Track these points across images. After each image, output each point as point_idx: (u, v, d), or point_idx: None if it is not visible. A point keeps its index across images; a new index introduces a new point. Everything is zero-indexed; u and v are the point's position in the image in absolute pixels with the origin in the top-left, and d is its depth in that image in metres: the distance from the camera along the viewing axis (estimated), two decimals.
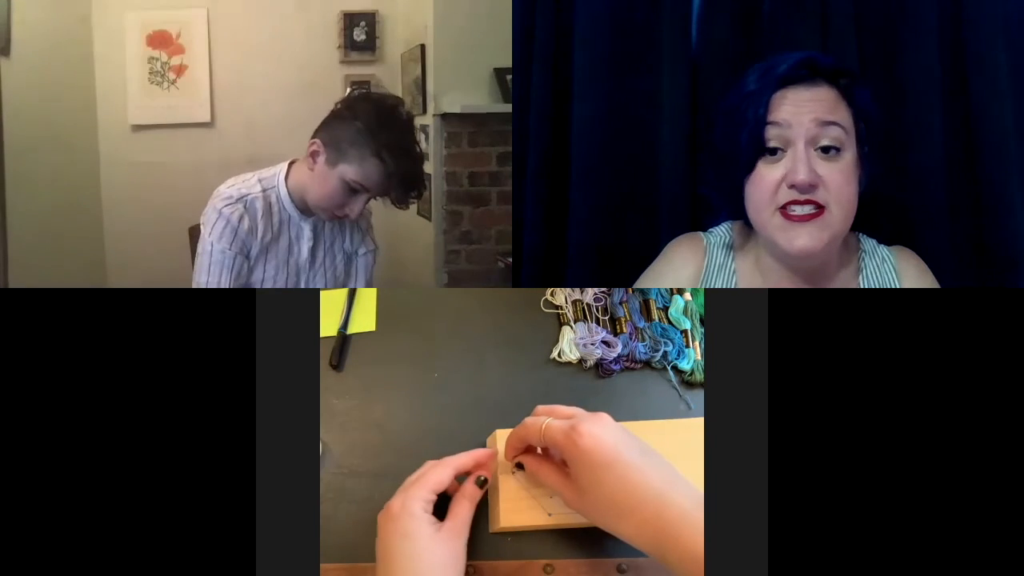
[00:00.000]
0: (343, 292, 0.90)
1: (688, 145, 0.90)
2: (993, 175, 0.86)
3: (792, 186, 0.69)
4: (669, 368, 0.80)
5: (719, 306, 0.68)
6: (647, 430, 0.60)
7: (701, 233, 0.80)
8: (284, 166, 1.07)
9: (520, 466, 0.63)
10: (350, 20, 2.31)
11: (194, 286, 1.04)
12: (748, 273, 0.76)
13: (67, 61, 2.19)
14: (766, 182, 0.70)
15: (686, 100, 0.90)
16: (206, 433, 0.61)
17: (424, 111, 2.03)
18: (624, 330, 0.83)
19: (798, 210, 0.69)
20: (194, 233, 1.07)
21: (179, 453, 0.60)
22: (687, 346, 0.82)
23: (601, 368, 0.80)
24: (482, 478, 0.62)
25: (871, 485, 0.60)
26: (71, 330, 0.62)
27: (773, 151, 0.70)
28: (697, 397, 0.78)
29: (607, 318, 0.86)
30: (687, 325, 0.84)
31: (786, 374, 0.62)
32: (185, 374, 0.61)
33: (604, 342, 0.81)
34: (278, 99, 2.30)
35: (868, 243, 0.77)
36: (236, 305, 0.64)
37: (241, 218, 1.02)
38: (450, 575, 0.57)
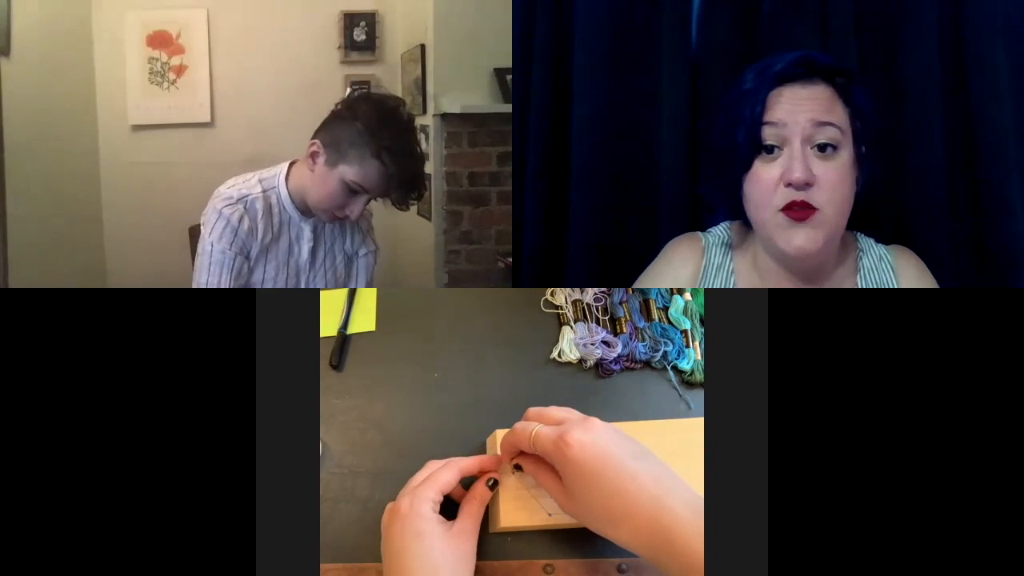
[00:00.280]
0: (343, 292, 0.90)
1: (688, 145, 0.90)
2: (993, 175, 0.86)
3: (788, 184, 0.69)
4: (669, 368, 0.80)
5: (719, 306, 0.68)
6: (647, 430, 0.60)
7: (700, 233, 0.80)
8: (284, 166, 1.07)
9: (519, 467, 0.63)
10: (350, 20, 2.31)
11: (194, 286, 1.04)
12: (746, 272, 0.76)
13: (67, 61, 2.19)
14: (763, 180, 0.70)
15: (686, 100, 0.90)
16: (206, 433, 0.60)
17: (424, 111, 2.03)
18: (624, 330, 0.83)
19: (796, 211, 0.69)
20: (194, 233, 1.07)
21: (179, 453, 0.60)
22: (687, 346, 0.82)
23: (601, 368, 0.80)
24: (492, 480, 0.62)
25: (871, 485, 0.60)
26: (71, 330, 0.62)
27: (770, 149, 0.70)
28: (697, 397, 0.78)
29: (607, 318, 0.86)
30: (687, 325, 0.84)
31: (786, 374, 0.62)
32: (185, 374, 0.61)
33: (604, 342, 0.81)
34: (278, 99, 2.31)
35: (866, 242, 0.77)
36: (236, 305, 0.64)
37: (241, 218, 1.02)
38: (463, 572, 0.56)
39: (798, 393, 0.62)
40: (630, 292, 0.87)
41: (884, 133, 0.81)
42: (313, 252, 1.10)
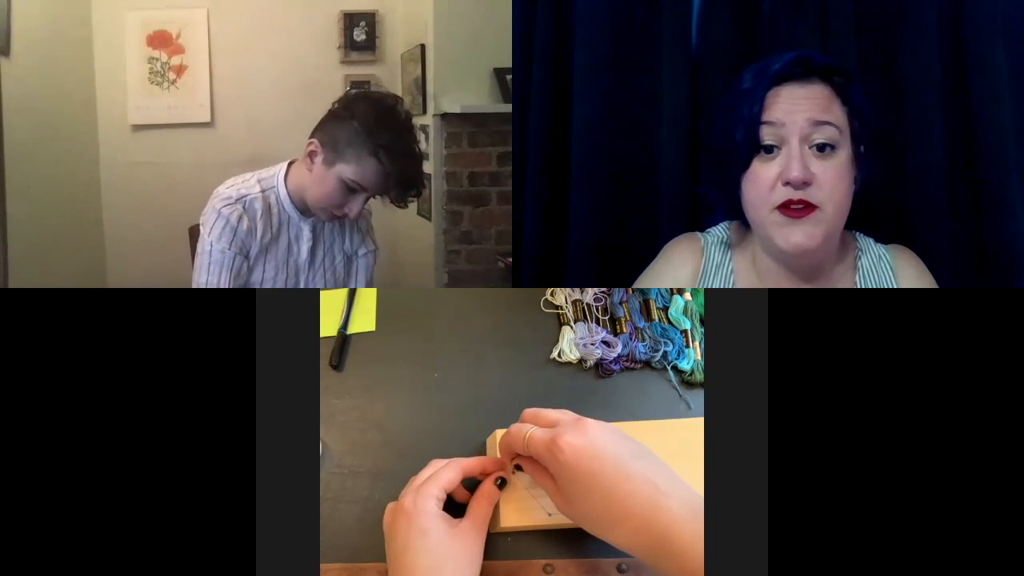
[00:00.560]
0: (343, 292, 0.90)
1: (688, 145, 0.90)
2: (993, 175, 0.86)
3: (787, 183, 0.69)
4: (669, 368, 0.80)
5: (719, 306, 0.68)
6: (647, 430, 0.60)
7: (699, 233, 0.80)
8: (283, 166, 1.07)
9: (519, 467, 0.62)
10: (350, 20, 2.31)
11: (193, 286, 1.04)
12: (745, 271, 0.77)
13: (67, 61, 2.19)
14: (762, 179, 0.70)
15: (686, 100, 0.90)
16: (206, 433, 0.60)
17: (424, 111, 2.03)
18: (624, 330, 0.83)
19: (793, 209, 0.69)
20: (194, 233, 1.07)
21: (179, 453, 0.60)
22: (687, 346, 0.82)
23: (601, 368, 0.80)
24: (500, 479, 0.62)
25: (871, 485, 0.60)
26: (71, 330, 0.62)
27: (769, 148, 0.70)
28: (697, 397, 0.78)
29: (607, 318, 0.86)
30: (687, 325, 0.84)
31: (786, 374, 0.62)
32: (185, 374, 0.61)
33: (604, 342, 0.81)
34: (278, 99, 2.30)
35: (865, 242, 0.77)
36: (236, 305, 0.64)
37: (240, 218, 1.02)
38: (470, 570, 0.56)
39: (798, 393, 0.62)
40: (630, 292, 0.87)
41: (884, 133, 0.81)
42: (312, 252, 1.10)
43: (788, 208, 0.70)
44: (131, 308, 0.63)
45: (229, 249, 1.02)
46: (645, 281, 0.81)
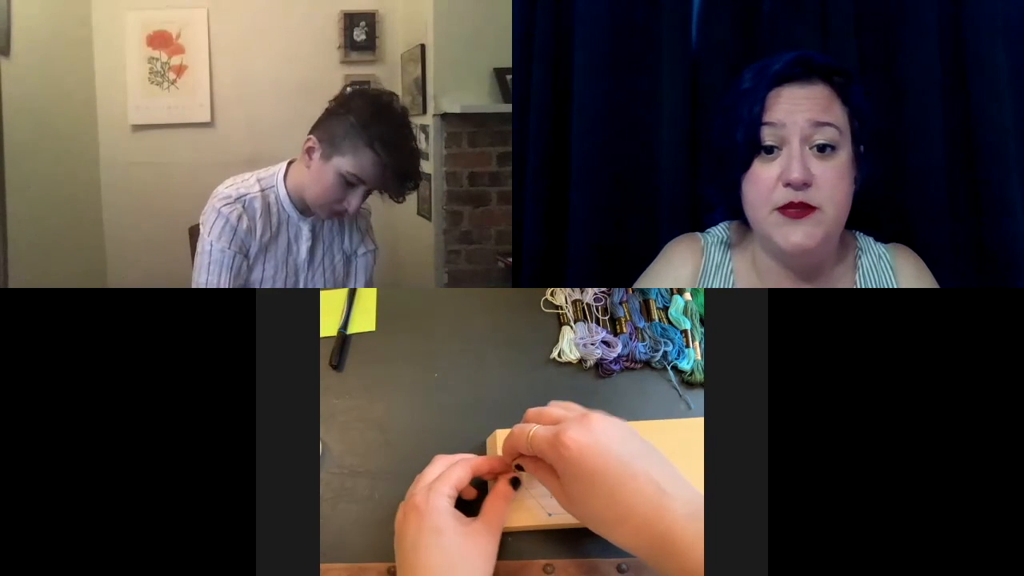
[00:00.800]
0: (343, 292, 0.90)
1: (688, 145, 0.90)
2: (993, 175, 0.86)
3: (787, 184, 0.69)
4: (669, 368, 0.80)
5: (719, 306, 0.68)
6: (647, 430, 0.60)
7: (699, 233, 0.80)
8: (283, 166, 1.07)
9: (520, 468, 0.62)
10: (350, 20, 2.31)
11: (193, 286, 1.04)
12: (745, 271, 0.77)
13: (67, 61, 2.19)
14: (762, 180, 0.70)
15: (686, 100, 0.90)
16: (206, 433, 0.60)
17: (424, 111, 2.03)
18: (624, 330, 0.83)
19: (793, 209, 0.70)
20: (194, 233, 1.07)
21: (179, 453, 0.60)
22: (687, 346, 0.82)
23: (601, 368, 0.80)
24: (516, 479, 0.61)
25: (872, 485, 0.60)
26: (71, 330, 0.62)
27: (769, 149, 0.70)
28: (697, 397, 0.78)
29: (607, 318, 0.86)
30: (687, 325, 0.84)
31: (786, 374, 0.62)
32: (185, 374, 0.61)
33: (604, 342, 0.81)
34: (278, 99, 2.30)
35: (865, 241, 0.77)
36: (236, 305, 0.64)
37: (240, 218, 1.02)
38: (484, 570, 0.56)
39: (798, 393, 0.62)
40: (630, 292, 0.87)
41: (884, 133, 0.81)
42: (311, 251, 1.10)
43: (788, 210, 0.70)
44: (131, 308, 0.63)
45: (229, 248, 1.02)
46: (645, 281, 0.81)
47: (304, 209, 1.07)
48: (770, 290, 0.66)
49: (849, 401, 0.61)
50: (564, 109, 0.94)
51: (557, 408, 0.61)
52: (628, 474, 0.52)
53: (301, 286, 1.11)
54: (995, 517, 0.58)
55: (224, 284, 1.03)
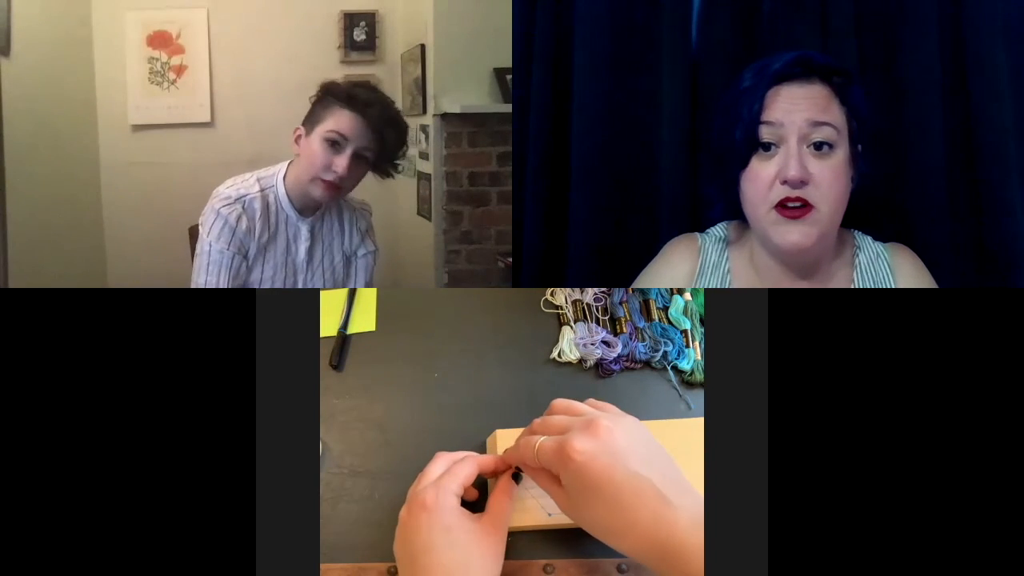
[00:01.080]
0: (343, 292, 0.90)
1: (688, 145, 0.90)
2: (993, 175, 0.86)
3: (784, 182, 0.70)
4: (669, 368, 0.80)
5: (719, 306, 0.68)
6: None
7: (697, 234, 0.80)
8: (283, 166, 1.07)
9: (518, 472, 0.62)
10: (350, 20, 2.31)
11: (192, 286, 1.05)
12: (743, 268, 0.77)
13: (67, 61, 2.19)
14: (760, 178, 0.71)
15: (686, 100, 0.90)
16: (206, 433, 0.60)
17: (424, 111, 2.03)
18: (624, 330, 0.83)
19: (790, 207, 0.70)
20: (194, 233, 1.07)
21: (179, 453, 0.60)
22: (687, 346, 0.82)
23: (601, 368, 0.80)
24: (518, 473, 0.61)
25: (872, 486, 0.60)
26: (71, 330, 0.62)
27: (767, 147, 0.71)
28: (697, 397, 0.78)
29: (607, 318, 0.86)
30: (687, 325, 0.84)
31: (786, 374, 0.62)
32: (185, 374, 0.61)
33: (604, 342, 0.81)
34: (278, 99, 2.30)
35: (863, 240, 0.78)
36: (236, 305, 0.64)
37: (239, 218, 1.02)
38: (494, 568, 0.56)
39: (798, 393, 0.62)
40: (630, 292, 0.87)
41: (884, 133, 0.81)
42: (310, 251, 1.10)
43: (785, 207, 0.70)
44: (131, 308, 0.63)
45: (228, 249, 1.02)
46: (643, 280, 0.81)
47: (303, 209, 1.07)
48: (770, 290, 0.66)
49: (849, 401, 0.61)
50: (564, 109, 0.94)
51: (562, 416, 0.59)
52: (632, 486, 0.52)
53: (300, 286, 1.11)
54: (995, 517, 0.58)
55: (223, 285, 1.03)
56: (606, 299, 0.87)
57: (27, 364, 0.61)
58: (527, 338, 0.83)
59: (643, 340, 0.82)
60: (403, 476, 0.64)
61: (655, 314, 0.86)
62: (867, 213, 0.79)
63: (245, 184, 1.05)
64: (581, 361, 0.81)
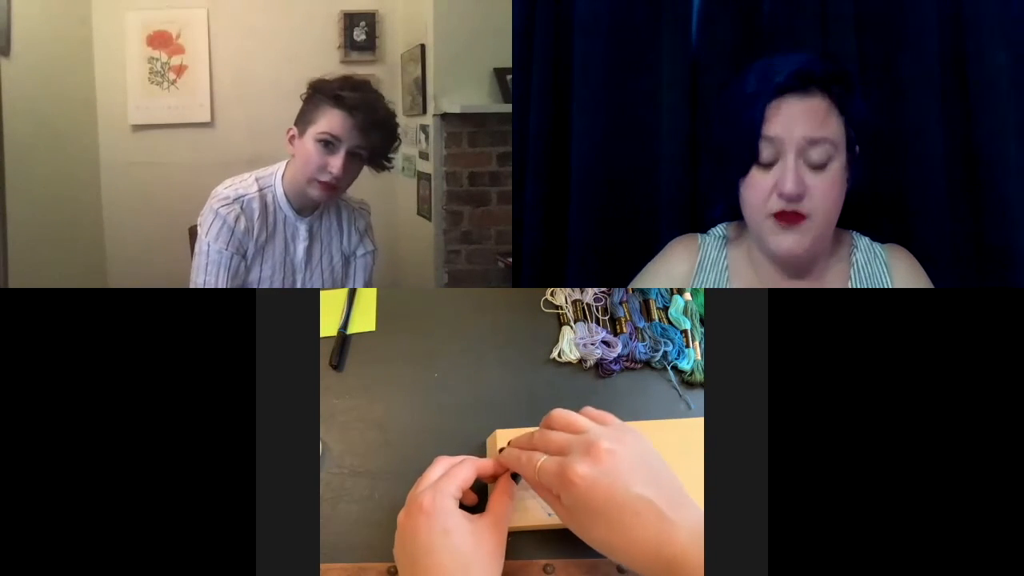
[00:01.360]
0: (343, 292, 0.90)
1: (688, 145, 0.90)
2: (993, 175, 0.86)
3: (781, 195, 0.71)
4: (669, 368, 0.80)
5: (719, 306, 0.68)
6: (647, 430, 0.60)
7: (698, 234, 0.80)
8: (281, 166, 1.07)
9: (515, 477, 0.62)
10: (350, 20, 2.30)
11: (191, 287, 1.05)
12: (741, 265, 0.77)
13: (67, 61, 2.19)
14: (759, 187, 0.72)
15: (686, 100, 0.90)
16: (206, 433, 0.60)
17: (424, 111, 2.03)
18: (624, 330, 0.83)
19: (785, 217, 0.71)
20: (194, 233, 1.07)
21: (179, 453, 0.60)
22: (687, 346, 0.82)
23: (601, 368, 0.80)
24: (517, 474, 0.61)
25: (872, 486, 0.60)
26: (71, 330, 0.62)
27: (766, 161, 0.71)
28: (697, 397, 0.78)
29: (607, 318, 0.86)
30: (687, 325, 0.84)
31: (786, 374, 0.62)
32: (185, 374, 0.61)
33: (604, 342, 0.81)
34: (278, 99, 2.29)
35: (861, 240, 0.78)
36: (236, 305, 0.64)
37: (237, 218, 1.02)
38: (494, 568, 0.56)
39: (798, 393, 0.62)
40: (630, 292, 0.87)
41: (884, 133, 0.81)
42: (309, 251, 1.10)
43: (781, 217, 0.71)
44: (131, 308, 0.63)
45: (226, 249, 1.02)
46: (642, 278, 0.82)
47: (301, 209, 1.07)
48: (770, 290, 0.66)
49: (850, 401, 0.61)
50: (564, 109, 0.94)
51: (561, 433, 0.59)
52: (632, 507, 0.52)
53: (299, 286, 1.11)
54: (995, 517, 0.58)
55: (222, 285, 1.03)
56: (606, 299, 0.87)
57: (27, 364, 0.61)
58: (527, 338, 0.83)
59: (643, 340, 0.82)
60: (403, 476, 0.64)
61: (655, 314, 0.86)
62: (866, 213, 0.79)
63: (243, 184, 1.05)
64: (581, 361, 0.81)
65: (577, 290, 0.88)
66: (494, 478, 0.63)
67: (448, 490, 0.58)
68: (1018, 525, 0.58)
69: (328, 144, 1.01)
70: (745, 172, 0.72)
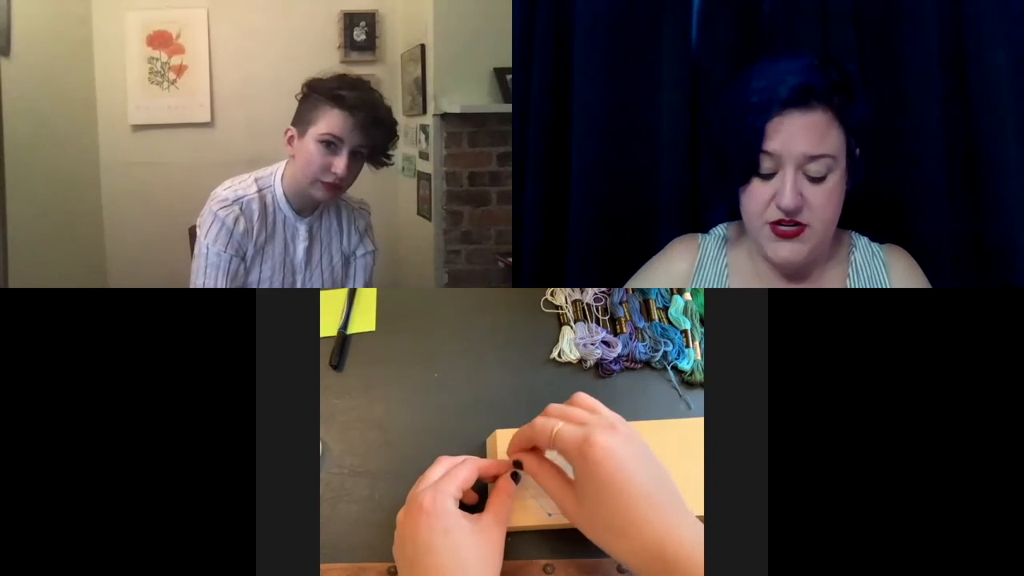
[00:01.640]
0: (343, 292, 0.90)
1: (688, 145, 0.90)
2: (993, 175, 0.86)
3: (779, 207, 0.71)
4: (669, 368, 0.80)
5: (719, 306, 0.68)
6: (647, 430, 0.60)
7: (699, 234, 0.81)
8: (281, 166, 1.07)
9: (518, 464, 0.62)
10: (350, 20, 2.30)
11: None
12: (740, 265, 0.78)
13: (67, 61, 2.18)
14: (758, 196, 0.72)
15: (686, 100, 0.90)
16: (206, 433, 0.60)
17: (424, 111, 2.03)
18: (624, 330, 0.83)
19: (783, 228, 0.72)
20: (194, 233, 1.07)
21: (179, 453, 0.60)
22: (687, 346, 0.82)
23: (601, 368, 0.80)
24: (516, 473, 0.61)
25: (872, 485, 0.60)
26: (71, 330, 0.62)
27: (766, 171, 0.72)
28: (697, 397, 0.78)
29: (607, 318, 0.86)
30: (687, 325, 0.84)
31: (786, 374, 0.62)
32: (185, 374, 0.61)
33: (604, 342, 0.81)
34: (278, 99, 2.28)
35: (860, 240, 0.78)
36: (236, 305, 0.64)
37: (236, 220, 1.02)
38: (494, 568, 0.56)
39: (798, 393, 0.62)
40: (630, 292, 0.87)
41: (884, 133, 0.81)
42: (309, 251, 1.10)
43: (779, 226, 0.72)
44: (131, 308, 0.63)
45: (225, 252, 1.02)
46: (641, 277, 0.82)
47: (301, 209, 1.07)
48: (770, 290, 0.66)
49: (850, 401, 0.61)
50: (564, 109, 0.94)
51: (582, 410, 0.59)
52: (644, 493, 0.52)
53: (299, 286, 1.11)
54: (994, 517, 0.58)
55: (221, 287, 1.03)
56: (606, 299, 0.87)
57: (27, 364, 0.61)
58: (527, 338, 0.83)
59: (643, 340, 0.82)
60: (403, 476, 0.64)
61: (655, 314, 0.86)
62: (866, 213, 0.79)
63: (242, 185, 1.05)
64: (581, 361, 0.81)
65: (577, 290, 0.88)
66: (494, 478, 0.63)
67: (448, 490, 0.58)
68: (1018, 525, 0.58)
69: (330, 144, 1.01)
70: (745, 181, 0.73)
